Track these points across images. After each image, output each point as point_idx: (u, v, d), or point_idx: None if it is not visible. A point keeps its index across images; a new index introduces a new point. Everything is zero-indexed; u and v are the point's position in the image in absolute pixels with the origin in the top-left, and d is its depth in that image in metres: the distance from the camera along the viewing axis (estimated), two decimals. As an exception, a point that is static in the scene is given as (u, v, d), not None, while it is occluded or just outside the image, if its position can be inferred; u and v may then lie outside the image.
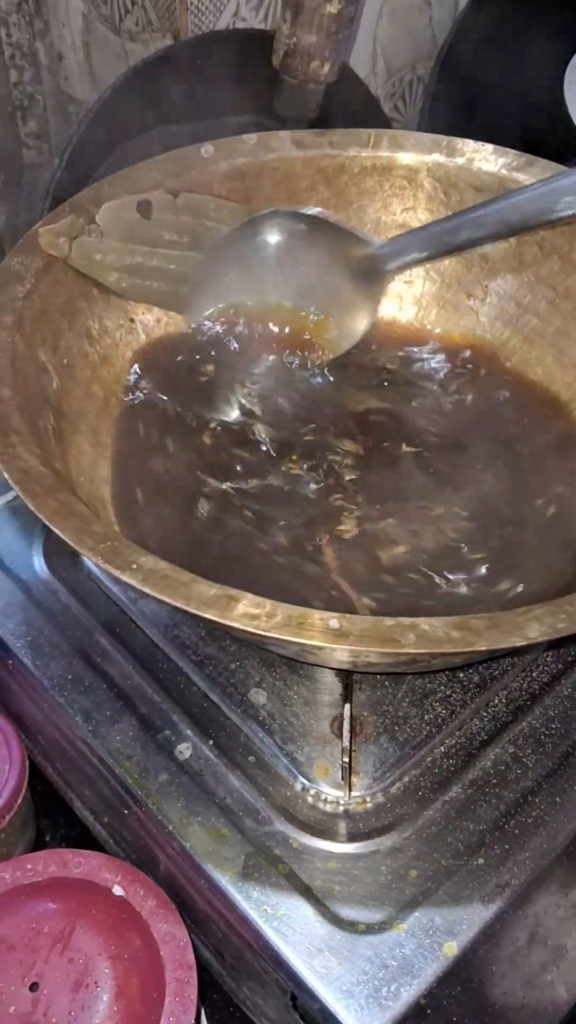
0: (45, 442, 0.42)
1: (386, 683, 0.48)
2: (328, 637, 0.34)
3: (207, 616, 0.34)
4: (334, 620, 0.34)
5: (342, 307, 0.54)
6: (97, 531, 0.36)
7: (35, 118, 0.86)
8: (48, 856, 0.48)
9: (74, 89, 0.82)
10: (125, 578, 0.35)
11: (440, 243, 0.51)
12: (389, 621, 0.34)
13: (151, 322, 0.54)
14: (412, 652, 0.33)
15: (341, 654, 0.37)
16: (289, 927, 0.41)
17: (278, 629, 0.34)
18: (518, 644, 0.33)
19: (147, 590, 0.34)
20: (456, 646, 0.33)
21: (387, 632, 0.34)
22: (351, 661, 0.39)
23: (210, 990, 0.51)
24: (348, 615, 0.34)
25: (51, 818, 0.60)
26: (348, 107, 0.74)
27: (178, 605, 0.34)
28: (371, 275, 0.53)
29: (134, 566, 0.35)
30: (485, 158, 0.55)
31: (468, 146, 0.56)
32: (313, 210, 0.53)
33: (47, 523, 0.36)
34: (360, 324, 0.54)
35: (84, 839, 0.55)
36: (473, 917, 0.42)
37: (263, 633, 0.34)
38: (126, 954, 0.46)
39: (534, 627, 0.34)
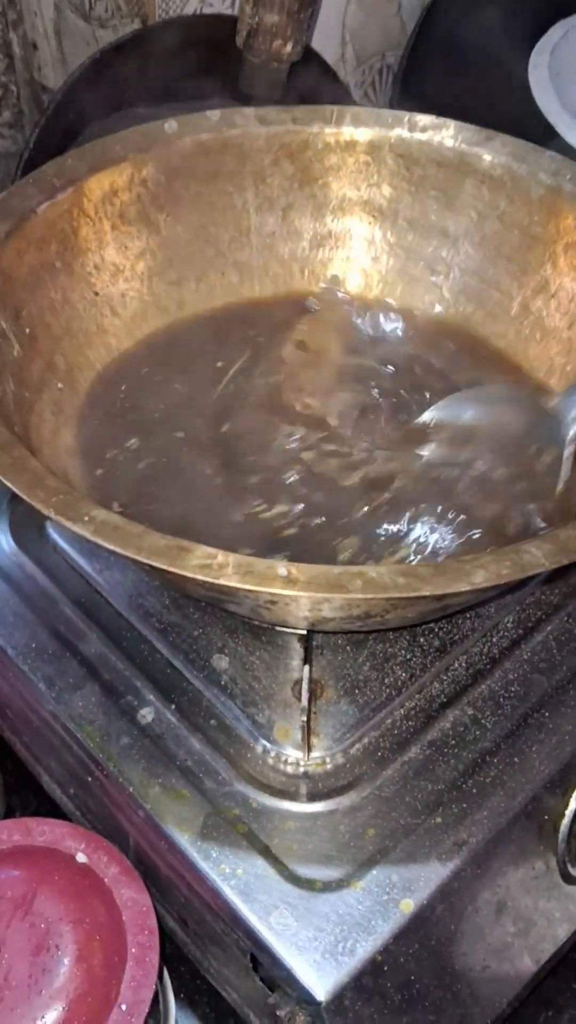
0: (3, 406, 0.43)
1: (347, 648, 0.49)
2: (278, 583, 0.34)
3: (158, 564, 0.34)
4: (283, 568, 0.34)
5: None
6: (50, 485, 0.36)
7: (8, 108, 0.86)
8: (13, 825, 0.48)
9: (47, 79, 0.83)
10: (77, 529, 0.35)
11: None
12: (337, 569, 0.34)
13: (115, 295, 0.54)
14: (359, 597, 0.33)
15: (296, 607, 0.38)
16: (247, 886, 0.41)
17: (228, 577, 0.34)
18: (463, 590, 0.34)
19: (99, 540, 0.35)
20: (402, 591, 0.33)
21: (335, 579, 0.34)
22: (306, 616, 0.39)
23: (176, 962, 0.51)
24: (297, 563, 0.34)
25: (20, 795, 0.60)
26: (317, 94, 0.75)
27: (129, 555, 0.34)
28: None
29: (86, 518, 0.35)
30: (446, 133, 0.56)
31: (429, 121, 0.56)
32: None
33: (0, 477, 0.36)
34: None
35: (53, 814, 0.55)
36: (430, 875, 0.42)
37: (213, 581, 0.34)
38: (88, 919, 0.47)
39: (479, 573, 0.34)
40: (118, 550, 0.34)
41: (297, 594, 0.33)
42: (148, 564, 0.34)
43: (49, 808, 0.56)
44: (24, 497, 0.36)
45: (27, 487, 0.36)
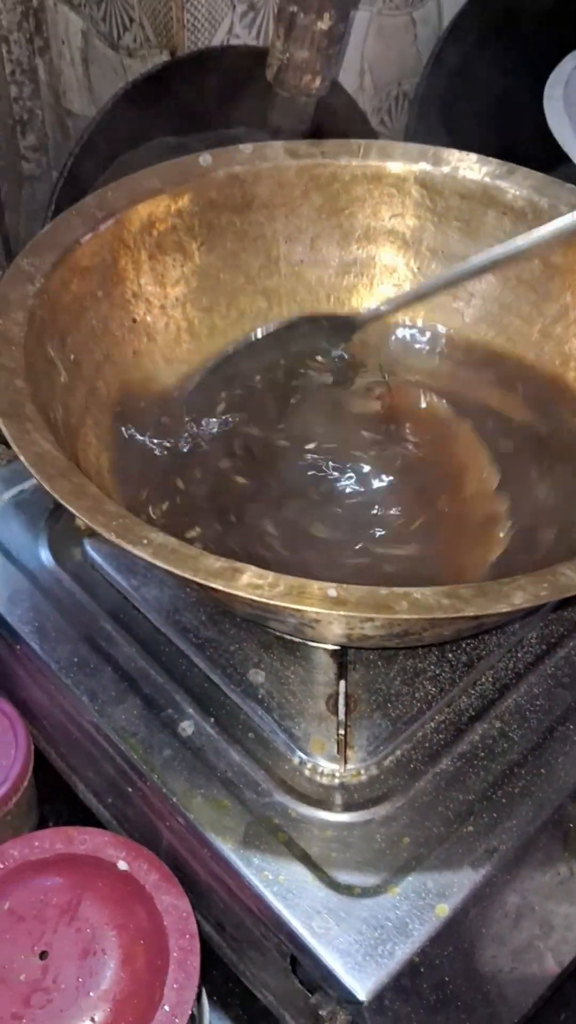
0: (56, 431, 0.45)
1: (379, 663, 0.51)
2: (327, 604, 0.36)
3: (214, 585, 0.36)
4: (332, 589, 0.36)
5: None
6: (110, 510, 0.38)
7: (34, 132, 0.89)
8: (54, 834, 0.50)
9: (72, 104, 0.85)
10: (137, 551, 0.37)
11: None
12: (383, 590, 0.36)
13: (151, 322, 0.56)
14: (405, 618, 0.35)
15: (338, 626, 0.40)
16: (289, 891, 0.43)
17: (280, 597, 0.36)
18: (504, 610, 0.36)
19: (158, 562, 0.37)
20: (446, 612, 0.35)
21: (382, 600, 0.36)
22: (347, 634, 0.41)
23: (209, 966, 0.53)
24: (345, 585, 0.36)
25: (53, 804, 0.62)
26: (337, 121, 0.77)
27: (187, 576, 0.36)
28: None
29: (144, 541, 0.37)
30: (469, 167, 0.58)
31: (453, 155, 0.59)
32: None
33: (63, 502, 0.38)
34: None
35: (87, 822, 0.57)
36: (463, 880, 0.44)
37: (266, 601, 0.36)
38: (131, 924, 0.48)
39: (519, 595, 0.36)
40: (176, 571, 0.36)
41: (348, 615, 0.35)
42: (204, 584, 0.36)
43: (82, 817, 0.58)
44: (87, 521, 0.38)
45: (89, 512, 0.38)
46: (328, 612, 0.36)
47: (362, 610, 0.36)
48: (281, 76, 0.61)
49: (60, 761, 0.58)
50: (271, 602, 0.36)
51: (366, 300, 0.62)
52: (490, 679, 0.51)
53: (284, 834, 0.45)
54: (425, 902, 0.43)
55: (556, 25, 0.81)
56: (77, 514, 0.38)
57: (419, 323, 0.60)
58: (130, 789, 0.50)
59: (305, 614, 0.37)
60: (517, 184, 0.57)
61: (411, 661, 0.51)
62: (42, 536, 0.56)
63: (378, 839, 0.45)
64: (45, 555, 0.55)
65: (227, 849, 0.44)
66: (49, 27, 0.81)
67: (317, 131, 0.67)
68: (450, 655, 0.51)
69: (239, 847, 0.44)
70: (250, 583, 0.36)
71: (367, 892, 0.43)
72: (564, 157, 0.75)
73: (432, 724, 0.49)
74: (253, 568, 0.37)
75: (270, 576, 0.37)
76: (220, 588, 0.36)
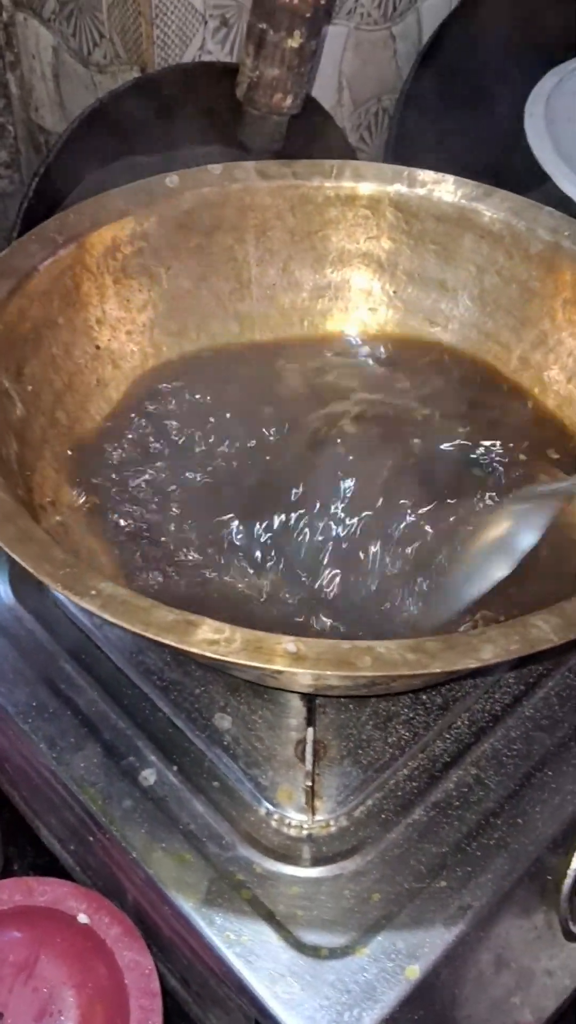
0: (7, 469, 0.43)
1: (350, 706, 0.49)
2: (286, 661, 0.34)
3: (166, 642, 0.34)
4: (291, 644, 0.34)
5: None
6: (57, 557, 0.36)
7: (5, 148, 0.87)
8: (14, 884, 0.48)
9: (44, 120, 0.83)
10: (84, 604, 0.35)
11: None
12: (346, 644, 0.34)
13: (117, 348, 0.54)
14: (368, 675, 0.33)
15: (302, 677, 0.38)
16: (252, 953, 0.41)
17: (237, 654, 0.34)
18: (472, 666, 0.34)
19: (106, 616, 0.35)
20: (412, 668, 0.34)
21: (344, 655, 0.34)
22: (312, 684, 0.39)
23: (176, 1018, 0.51)
24: (305, 639, 0.34)
25: (18, 846, 0.60)
26: (314, 138, 0.75)
27: (136, 631, 0.34)
28: None
29: (93, 592, 0.35)
30: (446, 188, 0.57)
31: (429, 176, 0.57)
32: None
33: (6, 549, 0.36)
34: None
35: (51, 867, 0.55)
36: (435, 940, 0.42)
37: (221, 658, 0.34)
38: (90, 982, 0.46)
39: (488, 649, 0.34)
40: (126, 626, 0.34)
41: (305, 672, 0.33)
42: (156, 640, 0.34)
43: (47, 860, 0.56)
44: (31, 571, 0.36)
45: (34, 560, 0.36)
46: (287, 670, 0.34)
47: (322, 667, 0.34)
48: (251, 94, 0.59)
49: (23, 804, 0.56)
50: (226, 659, 0.34)
51: (341, 324, 0.60)
52: (466, 722, 0.49)
53: (248, 891, 0.43)
54: (395, 964, 0.41)
55: (537, 42, 0.79)
56: (21, 562, 0.36)
57: (392, 348, 0.59)
58: (91, 839, 0.48)
59: (266, 669, 0.35)
60: (494, 207, 0.56)
61: (384, 704, 0.49)
62: (2, 573, 0.54)
63: (347, 895, 0.43)
64: (4, 591, 0.53)
65: (188, 907, 0.42)
66: (20, 42, 0.79)
67: (292, 149, 0.65)
68: (424, 697, 0.49)
69: (200, 905, 0.42)
70: (205, 638, 0.34)
71: (334, 953, 0.41)
72: (546, 175, 0.73)
73: (405, 771, 0.47)
74: (209, 621, 0.35)
75: (227, 630, 0.35)
76: (172, 644, 0.34)
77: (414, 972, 0.41)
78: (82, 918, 0.47)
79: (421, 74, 0.80)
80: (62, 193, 0.67)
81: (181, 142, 0.68)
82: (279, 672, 0.37)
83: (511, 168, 0.77)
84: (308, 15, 0.57)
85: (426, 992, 0.41)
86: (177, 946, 0.46)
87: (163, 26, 0.67)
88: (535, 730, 0.49)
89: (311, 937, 0.42)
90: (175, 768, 0.46)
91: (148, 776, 0.46)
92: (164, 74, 0.68)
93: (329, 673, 0.34)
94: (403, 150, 0.81)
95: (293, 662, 0.34)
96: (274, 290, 0.59)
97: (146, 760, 0.47)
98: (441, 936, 0.42)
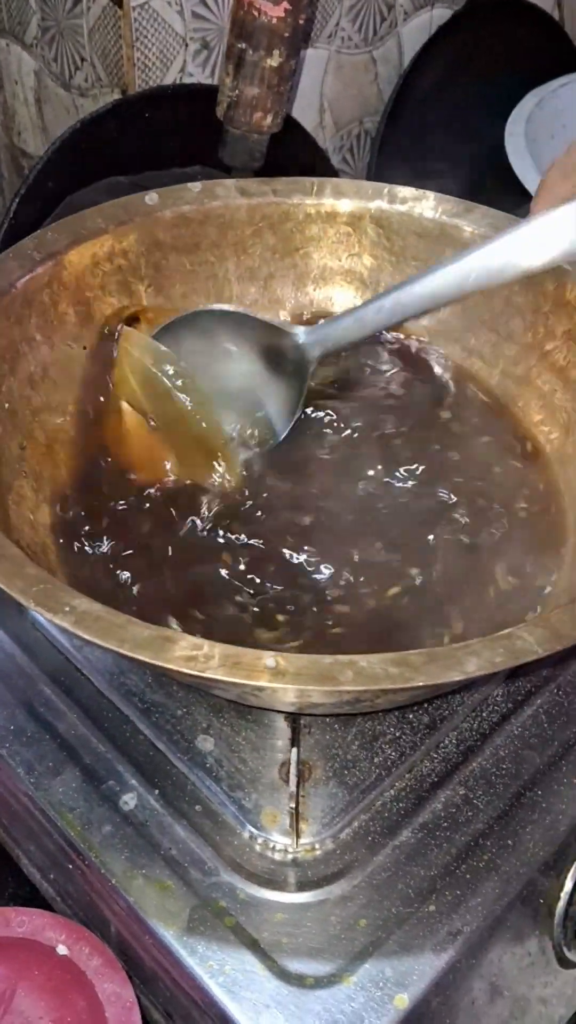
0: (-18, 487, 0.42)
1: (335, 726, 0.47)
2: (265, 676, 0.33)
3: (142, 659, 0.33)
4: (271, 659, 0.33)
5: (272, 401, 0.52)
6: (30, 573, 0.36)
7: (-12, 172, 0.87)
8: (-10, 916, 0.47)
9: (27, 144, 0.83)
10: (58, 620, 0.34)
11: (363, 326, 0.48)
12: (327, 659, 0.33)
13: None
14: (350, 689, 0.32)
15: (283, 694, 0.37)
16: (235, 983, 0.40)
17: (215, 670, 0.33)
18: (456, 679, 0.33)
19: (80, 633, 0.34)
20: (395, 682, 0.33)
21: (325, 670, 0.33)
22: (296, 702, 0.38)
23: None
24: (285, 654, 0.33)
25: (-1, 875, 0.58)
26: (296, 160, 0.75)
27: (111, 648, 0.33)
28: (298, 366, 0.51)
29: (67, 608, 0.34)
30: (426, 205, 0.56)
31: (409, 193, 0.57)
32: (231, 307, 0.52)
33: (-24, 566, 0.35)
34: (289, 415, 0.52)
35: (32, 897, 0.54)
36: (425, 967, 0.41)
37: (199, 674, 0.33)
38: (69, 1016, 0.45)
39: (472, 662, 0.33)
40: (100, 643, 0.33)
41: (286, 687, 0.33)
42: (132, 657, 0.33)
43: (28, 891, 0.55)
44: (3, 587, 0.35)
45: (6, 577, 0.35)
46: (267, 686, 0.33)
47: (303, 682, 0.33)
48: (231, 113, 0.59)
49: (3, 833, 0.54)
50: (204, 675, 0.33)
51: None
52: (454, 741, 0.48)
53: (231, 918, 0.41)
54: (383, 992, 0.40)
55: (516, 63, 0.80)
56: (-7, 579, 0.35)
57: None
58: (70, 866, 0.47)
59: (245, 685, 0.34)
60: (475, 223, 0.55)
61: (370, 723, 0.48)
62: (-20, 594, 0.53)
63: (333, 922, 0.42)
64: (-17, 614, 0.52)
65: (169, 936, 0.41)
66: (2, 67, 0.79)
67: (274, 170, 0.65)
68: (411, 716, 0.48)
69: (182, 934, 0.41)
70: (182, 655, 0.33)
71: (320, 982, 0.40)
72: (528, 194, 0.74)
73: (392, 792, 0.46)
74: (187, 637, 0.34)
75: (204, 645, 0.34)
76: (148, 661, 0.33)
77: (403, 1001, 0.40)
78: (61, 949, 0.46)
79: (402, 96, 0.81)
80: (43, 214, 0.67)
81: (162, 163, 0.68)
82: (260, 689, 0.37)
83: (495, 188, 0.77)
84: (287, 34, 0.57)
85: (416, 1022, 0.40)
86: (159, 977, 0.44)
87: (144, 49, 0.68)
88: (524, 749, 0.48)
89: (296, 966, 0.40)
90: (156, 792, 0.45)
91: (129, 800, 0.45)
92: (144, 96, 0.68)
93: (311, 688, 0.33)
94: (385, 171, 0.82)
95: (273, 677, 0.33)
96: (255, 308, 0.59)
97: (127, 784, 0.45)
98: (431, 963, 0.41)
